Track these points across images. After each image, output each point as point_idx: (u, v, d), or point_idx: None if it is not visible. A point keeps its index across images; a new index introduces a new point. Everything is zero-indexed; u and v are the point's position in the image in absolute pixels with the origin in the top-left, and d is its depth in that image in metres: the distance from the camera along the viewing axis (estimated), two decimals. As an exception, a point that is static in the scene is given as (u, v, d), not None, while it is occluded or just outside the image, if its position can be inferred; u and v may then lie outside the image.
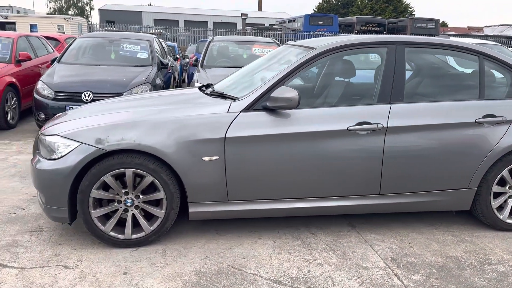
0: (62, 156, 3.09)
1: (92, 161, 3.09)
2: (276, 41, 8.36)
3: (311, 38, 24.49)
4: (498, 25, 39.25)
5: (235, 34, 26.24)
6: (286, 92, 3.11)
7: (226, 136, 3.15)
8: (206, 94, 3.76)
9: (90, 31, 24.43)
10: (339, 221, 3.76)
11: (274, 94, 3.15)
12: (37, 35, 9.28)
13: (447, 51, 3.62)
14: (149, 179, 3.14)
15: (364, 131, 3.27)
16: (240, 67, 7.32)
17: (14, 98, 7.14)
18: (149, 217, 3.27)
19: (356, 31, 27.29)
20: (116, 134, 3.09)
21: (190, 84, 10.54)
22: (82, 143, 3.08)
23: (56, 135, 3.19)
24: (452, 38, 5.14)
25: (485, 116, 3.43)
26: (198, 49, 12.81)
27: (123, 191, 3.17)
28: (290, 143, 3.21)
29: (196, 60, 7.75)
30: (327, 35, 25.42)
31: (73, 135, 3.13)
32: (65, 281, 2.78)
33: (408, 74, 3.51)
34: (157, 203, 3.26)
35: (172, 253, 3.17)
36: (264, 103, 3.23)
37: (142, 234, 3.23)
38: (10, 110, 7.01)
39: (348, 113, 3.30)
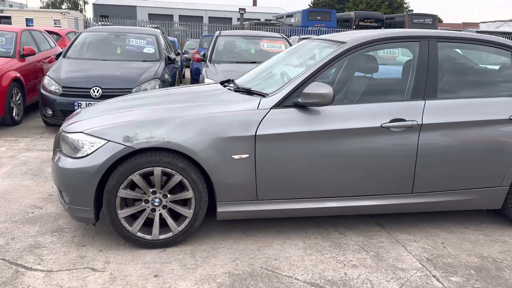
0: (87, 155, 2.98)
1: (119, 160, 2.98)
2: (285, 36, 8.25)
3: (309, 33, 24.40)
4: (494, 21, 39.35)
5: (232, 29, 26.06)
6: (320, 88, 3.01)
7: (257, 133, 3.05)
8: (229, 89, 3.65)
9: (86, 26, 24.15)
10: (367, 221, 3.68)
11: (307, 90, 3.05)
12: (39, 29, 9.10)
13: (480, 45, 3.54)
14: (177, 178, 3.03)
15: (398, 128, 3.18)
16: (250, 62, 7.31)
17: (19, 94, 6.98)
18: (176, 217, 3.16)
19: (354, 27, 27.20)
20: (144, 132, 2.98)
21: (194, 79, 10.43)
22: (109, 141, 2.96)
23: (81, 132, 3.07)
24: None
25: (519, 113, 3.36)
26: (202, 44, 12.64)
27: (151, 190, 3.06)
28: (322, 141, 3.12)
29: (204, 55, 7.62)
30: (325, 31, 25.32)
31: (99, 132, 3.01)
32: (95, 284, 2.68)
33: (440, 69, 3.41)
34: (184, 202, 3.16)
35: (201, 254, 3.07)
36: (295, 100, 3.13)
37: (170, 234, 3.13)
38: (15, 106, 6.86)
39: (381, 110, 3.21)
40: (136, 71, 6.70)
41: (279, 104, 3.14)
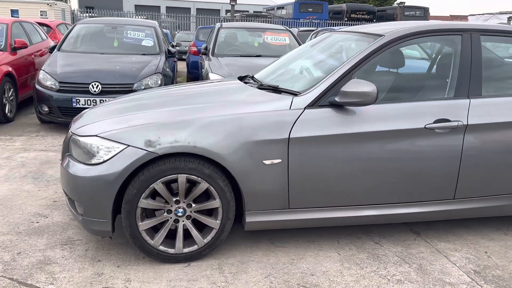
0: (104, 161, 2.67)
1: (139, 167, 2.69)
2: (289, 29, 7.95)
3: (301, 25, 24.08)
4: (483, 14, 39.43)
5: (223, 21, 25.61)
6: (361, 85, 2.74)
7: (290, 136, 2.78)
8: (251, 86, 3.36)
9: (73, 17, 23.51)
10: (400, 228, 3.43)
11: (346, 88, 2.77)
12: (30, 21, 8.66)
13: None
14: (203, 186, 2.75)
15: (443, 129, 2.93)
16: (254, 56, 7.01)
17: (12, 89, 6.59)
18: (200, 228, 2.88)
19: (346, 19, 26.96)
20: (167, 135, 2.68)
21: (191, 74, 10.03)
22: (129, 145, 2.66)
23: (95, 136, 2.76)
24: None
25: None
26: (198, 37, 12.26)
27: (174, 199, 2.77)
28: (361, 144, 2.86)
29: (206, 48, 7.28)
30: (318, 23, 25.03)
31: (116, 136, 2.71)
32: (118, 307, 2.39)
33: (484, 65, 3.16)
34: (209, 212, 2.88)
35: (230, 269, 2.79)
36: (332, 99, 2.85)
37: (195, 247, 2.85)
38: (7, 102, 6.46)
39: (423, 109, 2.96)
40: (137, 66, 6.36)
41: (313, 104, 2.86)
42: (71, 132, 2.99)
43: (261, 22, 23.46)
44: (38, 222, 3.35)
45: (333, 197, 2.93)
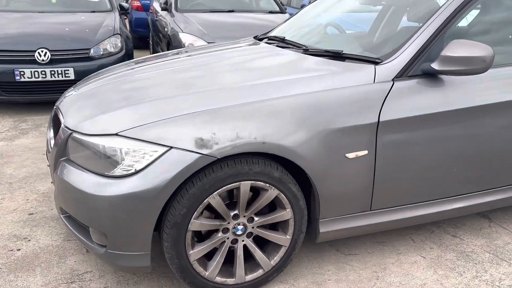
0: (137, 171, 1.86)
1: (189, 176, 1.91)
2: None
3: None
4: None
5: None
6: (471, 48, 2.08)
7: (380, 119, 2.11)
8: (294, 51, 2.62)
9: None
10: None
11: (448, 52, 2.11)
12: None
13: None
14: (272, 193, 2.04)
15: None
16: (227, 11, 6.09)
17: None
18: (261, 246, 2.19)
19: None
20: (225, 129, 1.92)
21: (135, 32, 8.70)
22: (171, 147, 1.87)
23: (116, 135, 1.92)
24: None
25: None
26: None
27: (232, 213, 2.04)
28: (466, 122, 2.27)
29: (166, 3, 6.24)
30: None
31: (150, 134, 1.90)
32: None
33: None
34: (274, 226, 2.19)
35: (307, 296, 2.16)
36: (425, 66, 2.19)
37: (260, 272, 2.16)
38: None
39: None
40: (90, 26, 5.25)
41: (402, 74, 2.20)
42: (67, 128, 2.11)
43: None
44: (19, 250, 2.46)
45: (426, 191, 2.35)
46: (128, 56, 5.25)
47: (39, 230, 2.65)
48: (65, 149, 2.12)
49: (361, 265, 2.40)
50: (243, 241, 2.11)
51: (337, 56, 2.41)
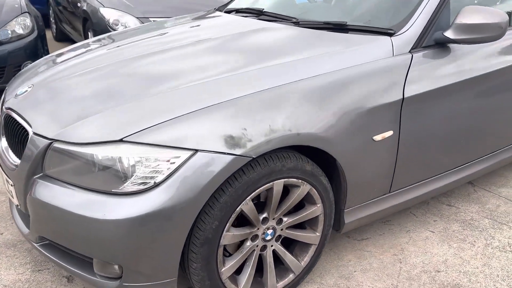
0: (157, 184, 1.50)
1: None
2: None
3: None
4: None
5: None
6: (486, 14, 1.98)
7: (405, 96, 1.96)
8: (284, 24, 2.35)
9: None
10: (450, 179, 2.98)
11: (462, 19, 1.99)
12: None
13: None
14: (304, 189, 1.81)
15: None
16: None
17: None
18: (286, 247, 1.95)
19: None
20: (255, 123, 1.62)
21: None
22: (197, 150, 1.53)
23: (121, 141, 1.53)
24: None
25: None
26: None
27: (261, 218, 1.77)
28: (478, 90, 2.22)
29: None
30: None
31: (167, 137, 1.54)
32: None
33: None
34: (301, 225, 1.96)
35: (341, 294, 1.99)
36: (438, 35, 2.05)
37: (291, 276, 1.94)
38: None
39: None
40: (-12, 4, 4.41)
41: (417, 45, 2.05)
42: (42, 137, 1.65)
43: None
44: (-22, 292, 1.95)
45: (438, 165, 2.28)
46: (41, 38, 4.52)
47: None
48: (40, 163, 1.66)
49: (378, 250, 2.28)
50: (272, 246, 1.86)
51: (339, 28, 2.18)
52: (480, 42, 2.04)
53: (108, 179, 1.53)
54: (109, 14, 4.61)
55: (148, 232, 1.50)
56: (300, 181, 1.77)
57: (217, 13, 2.85)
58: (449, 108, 2.11)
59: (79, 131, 1.60)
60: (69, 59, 2.26)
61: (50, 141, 1.62)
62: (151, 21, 4.59)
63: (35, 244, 1.82)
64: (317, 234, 1.94)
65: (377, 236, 2.39)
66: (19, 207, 1.85)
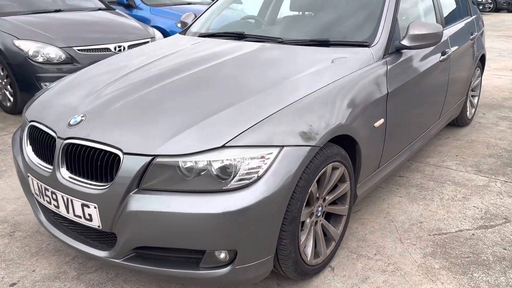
0: (259, 177, 1.84)
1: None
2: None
3: None
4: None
5: None
6: (429, 27, 2.67)
7: (389, 91, 2.58)
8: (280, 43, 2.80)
9: None
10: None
11: (416, 31, 2.66)
12: None
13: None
14: (341, 170, 2.29)
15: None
16: (53, 11, 5.30)
17: None
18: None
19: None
20: (315, 120, 2.06)
21: None
22: (283, 146, 1.91)
23: (224, 146, 1.83)
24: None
25: None
26: None
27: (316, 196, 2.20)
28: (427, 79, 3.06)
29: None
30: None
31: (257, 138, 1.88)
32: None
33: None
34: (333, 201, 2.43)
35: (365, 261, 2.50)
36: (397, 44, 2.71)
37: (333, 244, 2.39)
38: None
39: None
40: None
41: (385, 52, 2.68)
42: (136, 155, 1.84)
43: None
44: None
45: (406, 140, 3.00)
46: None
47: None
48: (138, 179, 1.85)
49: (372, 216, 2.86)
50: (320, 221, 2.28)
51: (323, 43, 2.71)
52: (426, 47, 2.75)
53: (213, 181, 1.81)
54: (27, 46, 4.49)
55: (258, 217, 1.82)
56: (339, 163, 2.24)
57: (198, 38, 3.13)
58: (412, 96, 2.80)
59: (182, 143, 1.84)
60: (112, 81, 2.39)
61: (151, 157, 1.83)
62: (75, 50, 4.61)
63: (118, 261, 1.96)
64: (346, 206, 2.42)
65: (365, 207, 2.96)
66: (100, 227, 1.96)
